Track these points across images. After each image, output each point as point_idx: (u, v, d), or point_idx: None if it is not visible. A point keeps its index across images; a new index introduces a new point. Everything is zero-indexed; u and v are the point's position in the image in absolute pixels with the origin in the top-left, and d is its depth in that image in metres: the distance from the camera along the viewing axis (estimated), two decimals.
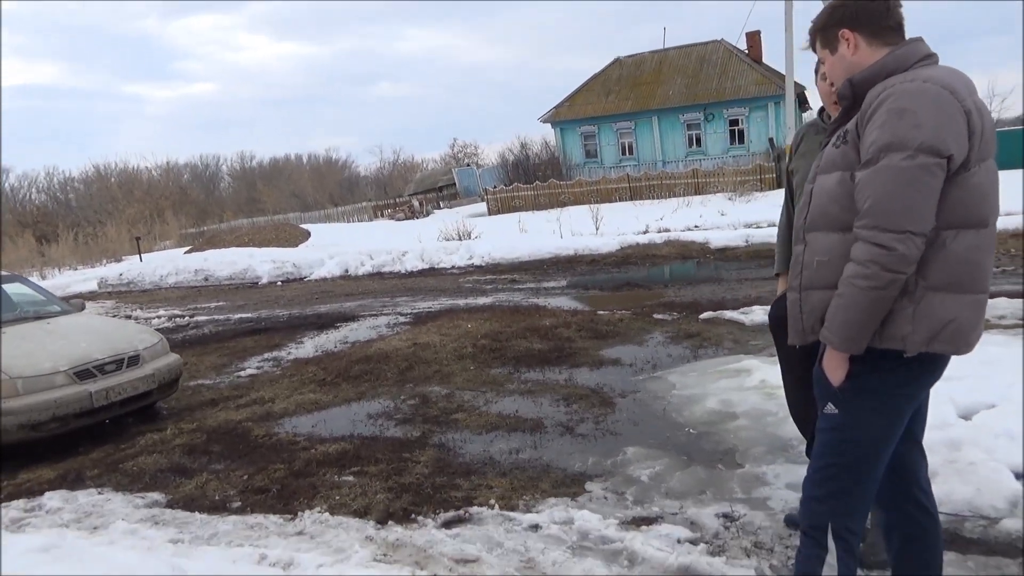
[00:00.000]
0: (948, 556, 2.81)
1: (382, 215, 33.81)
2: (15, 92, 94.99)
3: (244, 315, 11.47)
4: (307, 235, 24.78)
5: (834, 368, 1.94)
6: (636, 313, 8.23)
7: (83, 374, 5.47)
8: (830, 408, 2.00)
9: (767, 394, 4.95)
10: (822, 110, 2.94)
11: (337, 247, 18.20)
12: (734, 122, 31.84)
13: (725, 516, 3.38)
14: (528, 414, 5.14)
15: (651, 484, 3.85)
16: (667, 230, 16.24)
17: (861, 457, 1.97)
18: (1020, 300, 6.88)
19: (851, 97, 1.97)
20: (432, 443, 4.75)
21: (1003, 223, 11.25)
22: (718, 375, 5.59)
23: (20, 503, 4.42)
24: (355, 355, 7.35)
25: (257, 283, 15.83)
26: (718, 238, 13.78)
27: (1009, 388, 4.22)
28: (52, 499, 4.38)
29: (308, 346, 8.45)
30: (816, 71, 2.68)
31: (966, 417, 3.95)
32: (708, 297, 8.94)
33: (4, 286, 6.80)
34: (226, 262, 17.30)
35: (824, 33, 2.08)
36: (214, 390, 6.84)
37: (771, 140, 29.92)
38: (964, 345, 1.89)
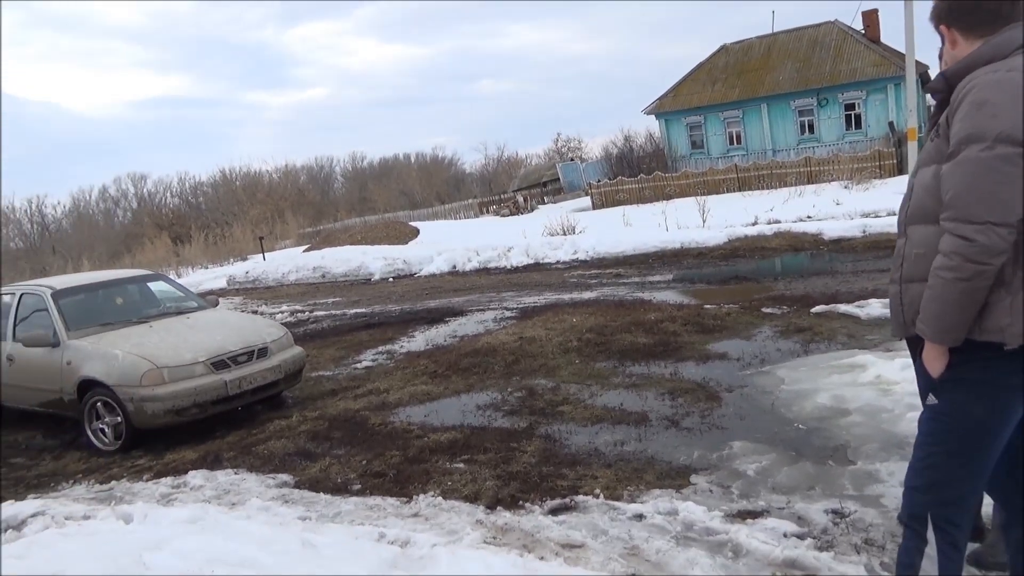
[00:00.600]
0: None
1: (487, 211, 34.41)
2: (149, 103, 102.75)
3: (359, 310, 12.03)
4: (416, 232, 25.58)
5: (933, 359, 1.94)
6: (744, 307, 8.08)
7: (219, 364, 5.97)
8: (931, 399, 1.99)
9: (882, 390, 4.80)
10: None
11: (445, 244, 18.70)
12: (850, 107, 30.29)
13: (835, 512, 3.34)
14: (633, 407, 5.20)
15: (757, 478, 3.83)
16: (777, 221, 15.73)
17: (963, 446, 1.95)
18: None
19: (945, 90, 1.96)
20: (538, 434, 4.89)
21: None
22: (830, 370, 5.44)
23: (168, 480, 4.89)
24: (464, 349, 7.60)
25: (370, 279, 16.52)
26: (832, 228, 13.25)
27: None
28: (195, 477, 4.83)
29: (419, 340, 8.80)
30: (940, 56, 2.62)
31: None
32: (821, 290, 8.65)
33: (150, 284, 7.50)
34: (341, 260, 18.15)
35: (936, 27, 2.07)
36: (334, 381, 7.27)
37: (891, 124, 28.29)
38: None
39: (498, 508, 3.78)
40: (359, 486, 4.36)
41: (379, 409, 5.93)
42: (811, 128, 31.31)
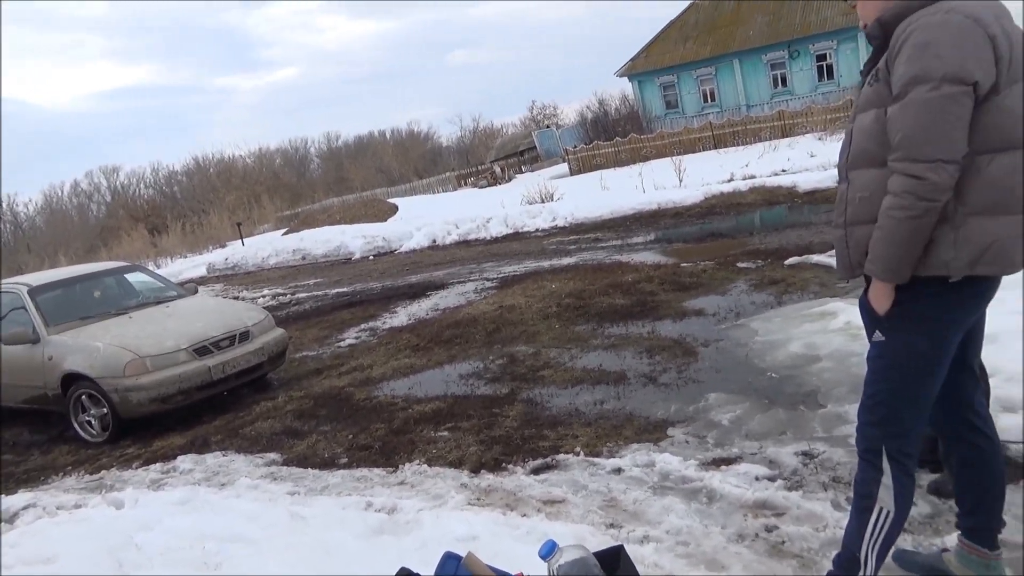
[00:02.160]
0: None
1: (465, 184, 34.28)
2: (118, 94, 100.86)
3: (340, 290, 12.05)
4: (395, 209, 25.47)
5: (880, 298, 2.01)
6: (720, 263, 8.19)
7: (201, 351, 6.00)
8: (878, 336, 2.08)
9: (852, 336, 4.92)
10: None
11: (424, 219, 18.67)
12: (821, 57, 30.29)
13: (804, 454, 3.46)
14: (612, 367, 5.31)
15: (732, 427, 3.95)
16: (752, 177, 15.82)
17: (910, 381, 2.04)
18: None
19: (881, 36, 2.00)
20: (520, 399, 4.99)
21: None
22: (802, 319, 5.56)
23: (158, 466, 4.96)
24: (445, 321, 7.68)
25: (350, 259, 16.50)
26: (807, 181, 13.35)
27: None
28: (184, 462, 4.90)
29: (401, 315, 8.86)
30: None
31: None
32: (795, 242, 8.77)
33: (127, 276, 7.49)
34: (320, 241, 18.09)
35: None
36: (318, 360, 7.33)
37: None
38: (1009, 265, 1.92)
39: (482, 471, 3.88)
40: (346, 460, 4.45)
41: (363, 385, 6.00)
42: (784, 81, 31.33)
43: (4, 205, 51.57)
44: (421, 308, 9.05)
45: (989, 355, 2.57)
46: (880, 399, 2.08)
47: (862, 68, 2.15)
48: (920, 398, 2.05)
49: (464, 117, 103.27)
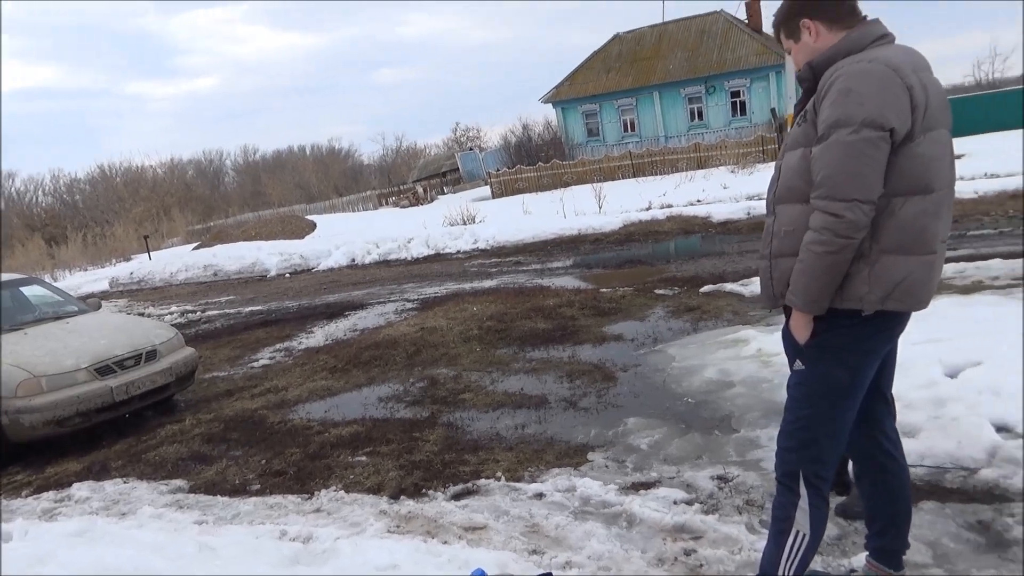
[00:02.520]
0: (927, 504, 2.98)
1: (387, 203, 33.98)
2: (17, 95, 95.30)
3: (255, 308, 11.68)
4: (313, 226, 24.98)
5: (800, 328, 2.10)
6: (638, 289, 8.37)
7: (104, 370, 5.68)
8: (798, 365, 2.16)
9: (763, 362, 5.11)
10: None
11: (343, 237, 18.39)
12: (735, 94, 31.68)
13: (720, 478, 3.55)
14: (533, 391, 5.32)
15: (650, 451, 4.02)
16: (670, 206, 16.32)
17: (828, 408, 2.13)
18: (1017, 260, 6.97)
19: (811, 79, 2.12)
20: (441, 422, 4.93)
21: (1002, 184, 11.29)
22: (717, 346, 5.74)
23: (50, 495, 4.63)
24: (364, 342, 7.53)
25: (266, 276, 16.05)
26: (720, 212, 13.86)
27: (996, 346, 4.35)
28: (80, 489, 4.60)
29: (318, 335, 8.64)
30: (788, 52, 2.80)
31: (952, 376, 4.09)
32: (709, 271, 9.07)
33: (23, 289, 7.03)
34: (234, 257, 17.53)
35: (787, 25, 2.22)
36: (229, 381, 7.05)
37: (773, 111, 29.76)
38: (916, 302, 2.04)
39: (401, 497, 3.80)
40: (258, 486, 4.28)
41: (278, 407, 5.81)
42: (700, 115, 32.54)
43: None
44: (339, 328, 8.86)
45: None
46: (800, 425, 2.16)
47: (794, 107, 2.26)
48: (837, 424, 2.14)
49: (387, 136, 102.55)
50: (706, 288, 7.86)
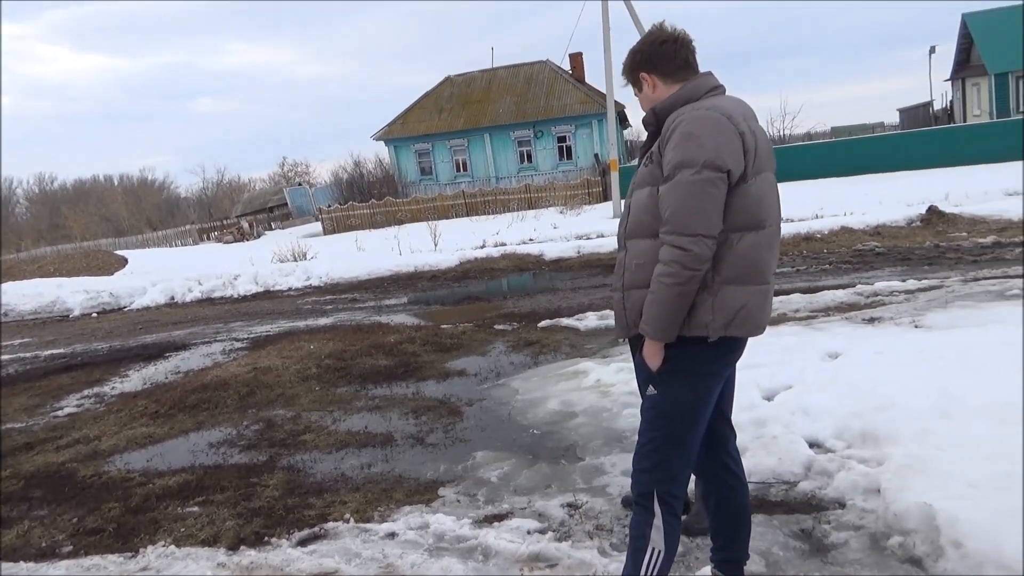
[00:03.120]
0: (757, 518, 3.22)
1: (208, 238, 32.13)
2: None
3: (55, 351, 10.50)
4: (124, 262, 23.03)
5: (652, 355, 2.23)
6: (478, 325, 8.47)
7: None
8: (651, 390, 2.29)
9: (602, 392, 5.34)
10: None
11: (160, 273, 17.11)
12: (562, 139, 33.36)
13: (569, 505, 3.64)
14: (378, 429, 5.19)
15: (500, 484, 4.04)
16: (503, 244, 16.73)
17: (679, 429, 2.27)
18: (812, 295, 7.83)
19: (655, 123, 2.30)
20: (280, 466, 4.68)
21: (792, 228, 12.69)
22: (557, 378, 5.92)
23: None
24: (190, 384, 7.01)
25: (68, 316, 14.52)
26: (552, 250, 14.40)
27: (802, 371, 4.85)
28: None
29: (135, 379, 7.93)
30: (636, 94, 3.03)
31: (769, 398, 4.50)
32: (545, 306, 9.37)
33: None
34: (29, 295, 15.70)
35: (630, 75, 2.43)
36: (28, 433, 6.26)
37: (596, 156, 31.65)
38: (755, 328, 2.24)
39: (241, 548, 3.54)
40: (70, 547, 3.81)
41: (90, 459, 5.24)
42: (530, 157, 33.89)
43: None
44: (160, 371, 8.18)
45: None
46: (653, 447, 2.28)
47: (640, 150, 2.43)
48: (687, 445, 2.29)
49: (208, 168, 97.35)
50: (543, 323, 8.11)
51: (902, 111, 39.22)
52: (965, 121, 32.14)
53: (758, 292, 2.21)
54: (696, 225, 2.09)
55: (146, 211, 49.50)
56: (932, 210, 12.44)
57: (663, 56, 2.30)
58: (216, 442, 5.32)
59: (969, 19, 31.63)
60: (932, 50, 37.85)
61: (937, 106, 37.34)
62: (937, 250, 10.18)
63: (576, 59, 35.23)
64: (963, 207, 12.96)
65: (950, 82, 35.67)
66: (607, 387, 5.41)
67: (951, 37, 34.72)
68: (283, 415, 5.74)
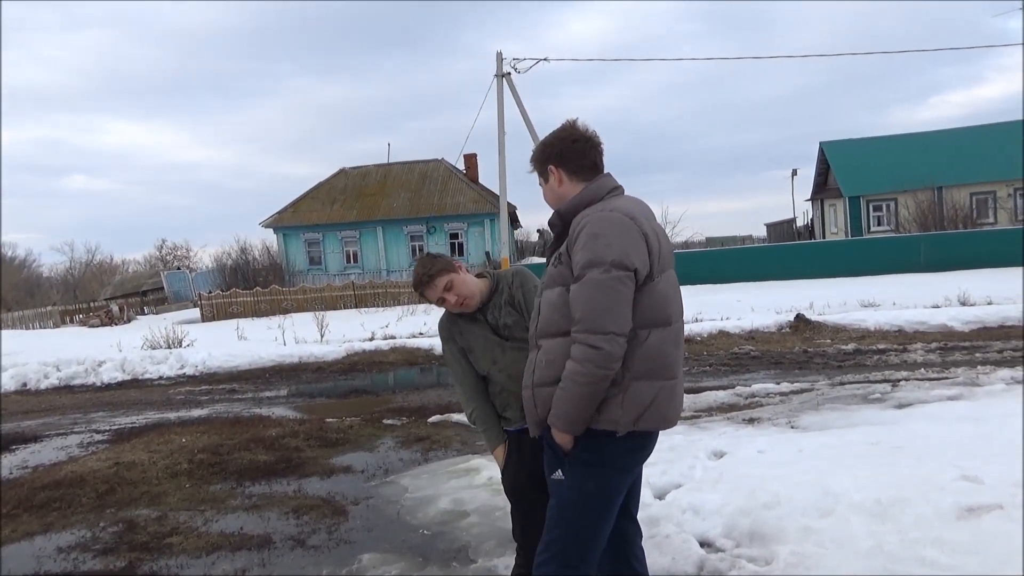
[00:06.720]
0: None
1: (72, 321, 29.94)
2: None
3: None
4: None
5: (564, 443, 2.22)
6: (366, 419, 8.19)
7: None
8: (558, 475, 2.27)
9: (495, 490, 5.21)
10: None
11: (12, 357, 15.66)
12: (455, 235, 33.89)
13: None
14: (254, 530, 4.83)
15: None
16: (393, 337, 16.50)
17: (584, 523, 2.24)
18: (696, 395, 8.11)
19: (560, 225, 2.38)
20: (142, 573, 4.23)
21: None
22: (448, 475, 5.76)
23: None
24: (39, 481, 6.32)
25: None
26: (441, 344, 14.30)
27: (691, 469, 4.94)
28: None
29: None
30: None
31: (660, 497, 4.54)
32: (435, 401, 9.21)
33: None
34: None
35: (539, 166, 2.52)
36: None
37: (487, 254, 32.27)
38: (664, 421, 2.27)
39: None
40: None
41: None
42: (422, 252, 34.06)
43: None
44: (4, 466, 7.35)
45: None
46: (556, 536, 2.24)
47: (547, 251, 2.48)
48: (592, 538, 2.25)
49: (77, 246, 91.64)
50: (434, 418, 7.94)
51: (769, 225, 42.77)
52: (824, 237, 35.27)
53: (666, 387, 2.26)
54: (607, 323, 2.13)
55: (2, 289, 45.71)
56: (800, 318, 13.35)
57: (574, 154, 2.40)
58: (66, 546, 4.77)
59: (826, 147, 35.35)
60: (794, 172, 42.15)
61: (800, 223, 40.99)
62: (806, 355, 10.86)
63: (470, 160, 36.38)
64: (826, 315, 13.99)
65: (810, 202, 39.31)
66: (499, 485, 5.29)
67: (811, 162, 38.64)
68: (147, 515, 5.25)
